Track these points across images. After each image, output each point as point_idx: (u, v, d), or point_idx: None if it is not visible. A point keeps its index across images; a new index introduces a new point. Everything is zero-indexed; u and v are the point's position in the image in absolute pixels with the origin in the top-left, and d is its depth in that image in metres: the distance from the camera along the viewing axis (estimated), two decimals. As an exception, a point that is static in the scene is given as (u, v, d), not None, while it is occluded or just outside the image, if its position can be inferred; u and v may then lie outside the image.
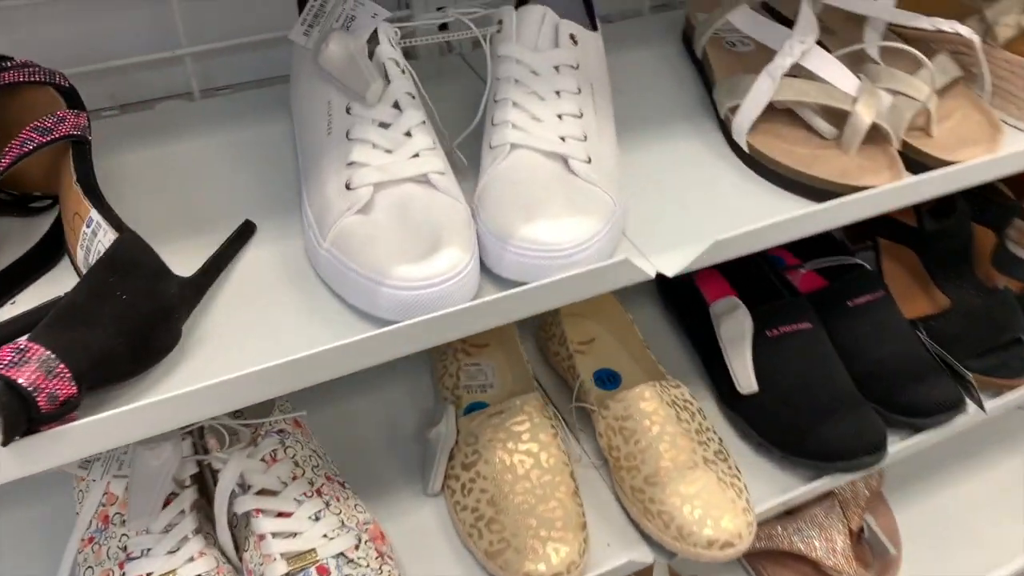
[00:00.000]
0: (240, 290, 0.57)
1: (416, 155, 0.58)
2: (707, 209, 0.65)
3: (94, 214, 0.51)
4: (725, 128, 0.71)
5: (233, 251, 0.59)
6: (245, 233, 0.60)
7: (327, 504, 0.65)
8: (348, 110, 0.60)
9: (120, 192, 0.65)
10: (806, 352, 0.80)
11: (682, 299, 0.90)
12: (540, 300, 0.56)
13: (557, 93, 0.62)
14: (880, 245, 0.95)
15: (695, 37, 0.78)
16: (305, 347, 0.51)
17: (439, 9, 0.79)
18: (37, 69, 0.56)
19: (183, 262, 0.57)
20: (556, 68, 0.63)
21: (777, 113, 0.69)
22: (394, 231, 0.55)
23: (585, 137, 0.61)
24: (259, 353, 0.53)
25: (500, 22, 0.65)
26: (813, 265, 0.91)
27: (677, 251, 0.60)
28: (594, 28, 0.70)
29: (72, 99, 0.57)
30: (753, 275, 0.88)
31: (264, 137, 0.71)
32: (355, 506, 0.67)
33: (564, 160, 0.60)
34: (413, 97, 0.61)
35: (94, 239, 0.52)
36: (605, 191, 0.59)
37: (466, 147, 0.65)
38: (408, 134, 0.59)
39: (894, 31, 0.75)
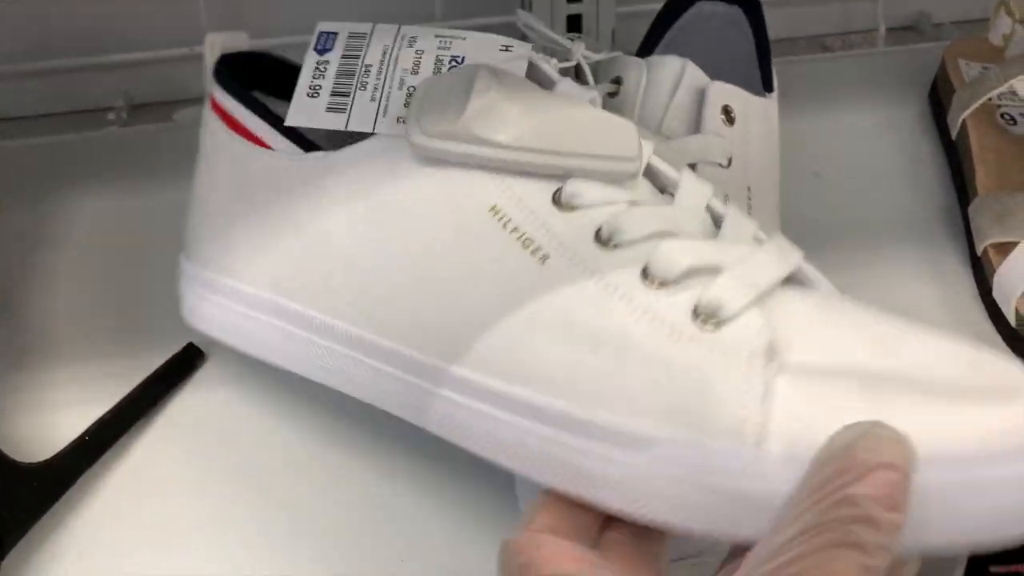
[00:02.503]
0: (137, 480, 0.37)
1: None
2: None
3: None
4: (980, 274, 0.44)
5: (147, 401, 0.38)
6: (177, 369, 0.40)
7: None
8: (567, 201, 0.29)
9: (65, 248, 0.47)
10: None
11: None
12: None
13: None
14: None
15: (950, 103, 0.50)
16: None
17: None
18: None
19: (82, 413, 0.37)
20: (692, 168, 0.37)
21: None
22: None
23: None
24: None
25: (617, 80, 0.40)
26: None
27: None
28: (768, 88, 0.43)
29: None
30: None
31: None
32: None
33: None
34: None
35: None
36: None
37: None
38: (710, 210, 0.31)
39: None
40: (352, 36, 0.34)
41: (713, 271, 0.27)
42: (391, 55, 0.33)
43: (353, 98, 0.32)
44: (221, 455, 0.38)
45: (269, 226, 0.33)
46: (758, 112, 0.41)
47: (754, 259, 0.28)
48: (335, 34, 0.34)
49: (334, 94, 0.33)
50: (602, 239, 0.28)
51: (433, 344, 0.29)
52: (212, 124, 0.36)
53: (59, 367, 0.41)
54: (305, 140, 0.34)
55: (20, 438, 0.37)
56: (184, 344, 0.40)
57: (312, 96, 0.33)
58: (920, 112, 0.54)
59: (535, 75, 0.33)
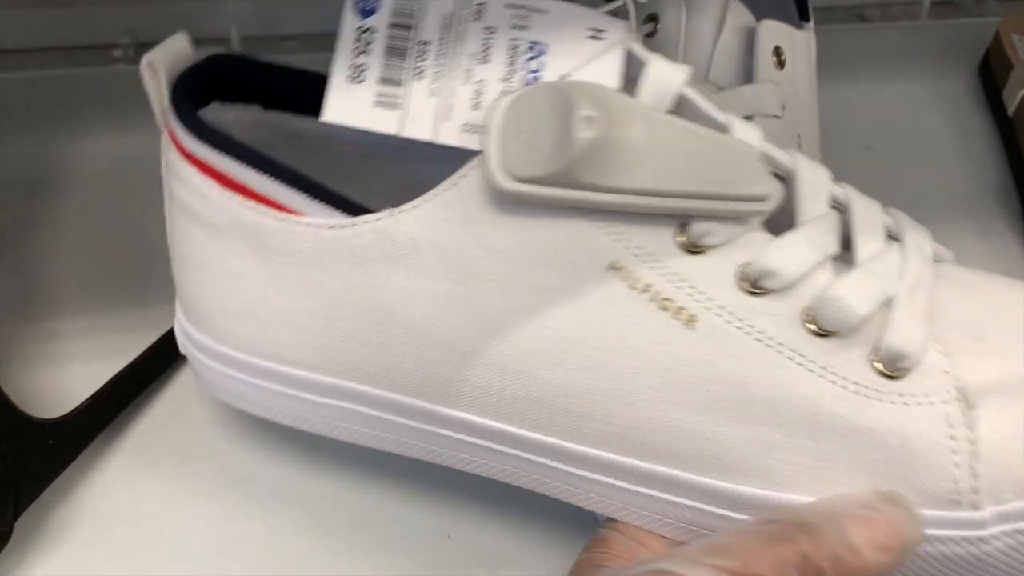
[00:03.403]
0: (155, 439, 0.34)
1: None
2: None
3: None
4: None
5: (166, 356, 0.35)
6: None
7: None
8: (695, 242, 0.24)
9: (70, 189, 0.43)
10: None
11: None
12: None
13: None
14: None
15: (1004, 78, 0.48)
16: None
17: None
18: None
19: (95, 366, 0.34)
20: (749, 120, 0.33)
21: None
22: None
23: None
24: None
25: (653, 18, 0.36)
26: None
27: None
28: (804, 18, 0.40)
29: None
30: None
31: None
32: None
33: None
34: None
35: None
36: None
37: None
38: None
39: None
40: None
41: (885, 305, 0.24)
42: (454, 30, 0.25)
43: (408, 90, 0.25)
44: (244, 413, 0.35)
45: (327, 315, 0.27)
46: (801, 49, 0.38)
47: (912, 275, 0.25)
48: None
49: (383, 81, 0.25)
50: (750, 283, 0.24)
51: (558, 429, 0.26)
52: (193, 180, 0.27)
53: (69, 317, 0.38)
54: (342, 199, 0.26)
55: (30, 391, 0.35)
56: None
57: (355, 80, 0.25)
58: (968, 86, 0.53)
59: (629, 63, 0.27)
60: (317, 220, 0.26)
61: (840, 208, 0.26)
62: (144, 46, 0.55)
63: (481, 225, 0.24)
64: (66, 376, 0.35)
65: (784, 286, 0.24)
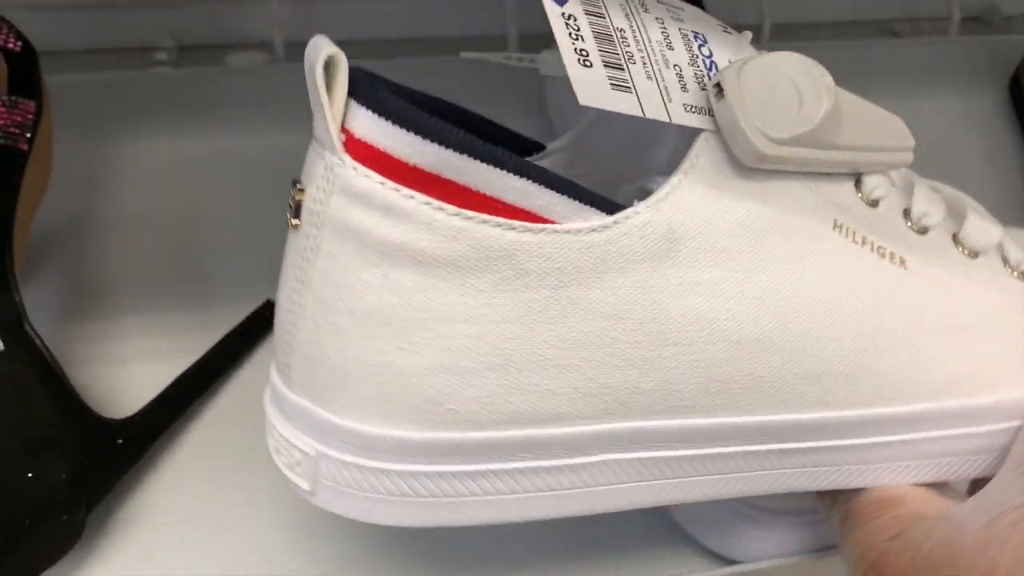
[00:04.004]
0: (217, 438, 0.35)
1: None
2: None
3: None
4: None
5: (227, 357, 0.36)
6: (258, 325, 0.38)
7: None
8: (869, 195, 0.26)
9: (119, 190, 0.44)
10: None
11: None
12: None
13: None
14: None
15: (1038, 97, 0.49)
16: None
17: None
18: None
19: (155, 365, 0.35)
20: None
21: None
22: None
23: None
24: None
25: None
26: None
27: None
28: None
29: (23, 67, 0.35)
30: None
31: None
32: None
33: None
34: None
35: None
36: None
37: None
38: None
39: None
40: None
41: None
42: (636, 19, 0.25)
43: (629, 74, 0.24)
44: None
45: (593, 342, 0.23)
46: None
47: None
48: None
49: (607, 65, 0.23)
50: (915, 223, 0.26)
51: (833, 400, 0.25)
52: (405, 205, 0.21)
53: (126, 317, 0.39)
54: (593, 195, 0.23)
55: (91, 389, 0.35)
56: (263, 300, 0.38)
57: (584, 64, 0.23)
58: (998, 104, 0.53)
59: None
60: (576, 224, 0.22)
61: None
62: (186, 49, 0.57)
63: (727, 202, 0.24)
64: (127, 375, 0.36)
65: (937, 223, 0.27)
